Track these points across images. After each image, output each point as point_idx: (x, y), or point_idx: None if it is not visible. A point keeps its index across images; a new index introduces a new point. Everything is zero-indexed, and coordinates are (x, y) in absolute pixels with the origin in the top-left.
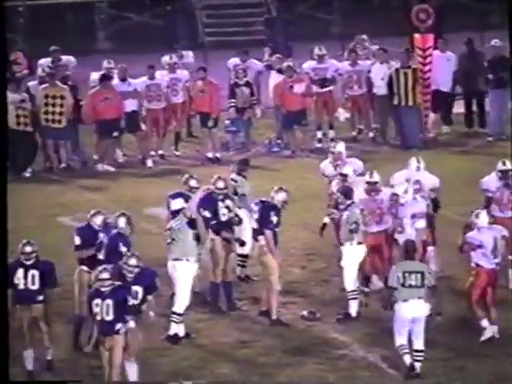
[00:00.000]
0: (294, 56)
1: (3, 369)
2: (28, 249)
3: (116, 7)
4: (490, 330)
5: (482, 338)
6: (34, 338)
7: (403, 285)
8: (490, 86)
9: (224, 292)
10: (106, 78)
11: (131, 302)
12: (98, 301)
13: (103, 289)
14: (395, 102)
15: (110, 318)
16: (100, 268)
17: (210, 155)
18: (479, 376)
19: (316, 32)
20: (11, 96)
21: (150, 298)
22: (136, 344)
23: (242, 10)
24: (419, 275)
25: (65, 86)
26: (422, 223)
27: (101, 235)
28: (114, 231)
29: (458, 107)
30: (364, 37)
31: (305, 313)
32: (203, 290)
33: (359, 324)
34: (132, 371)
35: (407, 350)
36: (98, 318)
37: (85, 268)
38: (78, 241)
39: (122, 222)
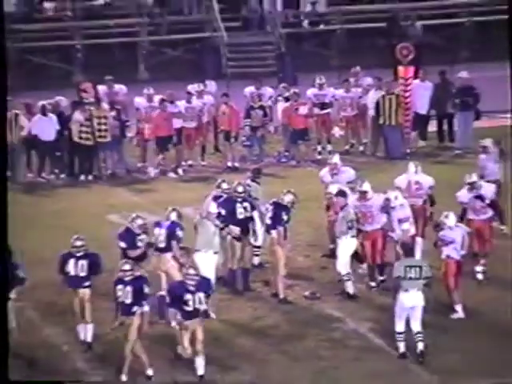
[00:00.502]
0: (299, 84)
1: (3, 369)
2: (78, 243)
3: (155, 44)
4: (461, 313)
5: (453, 317)
6: (84, 314)
7: (404, 277)
8: (457, 109)
9: (242, 276)
10: (164, 101)
11: (146, 290)
12: (120, 287)
13: (125, 278)
14: (381, 121)
15: (129, 301)
16: (123, 261)
17: (229, 164)
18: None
19: (317, 65)
20: (78, 116)
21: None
22: (145, 324)
23: (257, 47)
24: (418, 269)
25: (107, 108)
26: (406, 225)
27: (142, 236)
28: (169, 222)
29: (432, 126)
30: (358, 68)
31: (307, 293)
32: (224, 275)
33: (351, 303)
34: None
35: (403, 339)
36: (120, 300)
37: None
38: (123, 244)
39: (173, 215)
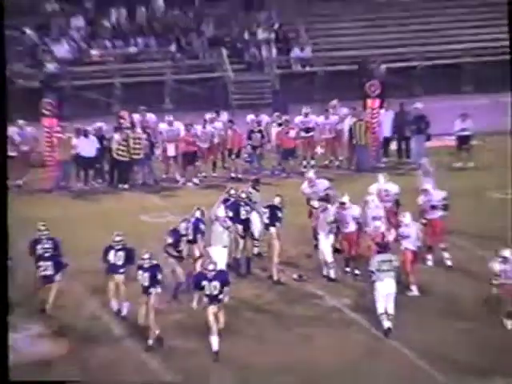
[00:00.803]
0: (289, 113)
1: (3, 369)
2: (118, 238)
3: (177, 82)
4: (415, 291)
5: (410, 294)
6: (118, 294)
7: (379, 270)
8: (412, 132)
9: (244, 263)
10: (189, 125)
11: (159, 276)
12: (140, 272)
13: (144, 265)
14: (354, 142)
15: (146, 284)
16: (144, 251)
17: (232, 175)
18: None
19: (304, 98)
20: (117, 138)
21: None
22: (158, 302)
23: (257, 85)
24: (388, 262)
25: (140, 132)
26: (378, 223)
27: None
28: (194, 218)
29: (393, 146)
30: (335, 102)
31: (295, 276)
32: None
33: (331, 284)
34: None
35: (385, 318)
36: (140, 283)
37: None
38: (169, 240)
39: (198, 213)
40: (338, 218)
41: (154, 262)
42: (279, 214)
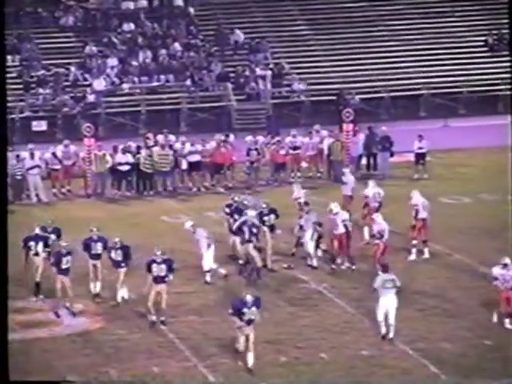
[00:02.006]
0: (280, 134)
1: (3, 369)
2: (117, 239)
3: (191, 110)
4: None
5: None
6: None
7: (383, 287)
8: (379, 150)
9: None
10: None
11: (174, 265)
12: (155, 265)
13: (157, 259)
14: (332, 157)
15: (163, 274)
16: (156, 248)
17: (230, 185)
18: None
19: (292, 122)
20: (143, 154)
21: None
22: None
23: (255, 112)
24: (391, 281)
25: (167, 149)
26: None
27: None
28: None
29: (363, 161)
30: (317, 126)
31: (285, 265)
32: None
33: (315, 271)
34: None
35: (383, 325)
36: (155, 274)
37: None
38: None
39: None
40: (328, 222)
41: (165, 256)
42: (277, 212)
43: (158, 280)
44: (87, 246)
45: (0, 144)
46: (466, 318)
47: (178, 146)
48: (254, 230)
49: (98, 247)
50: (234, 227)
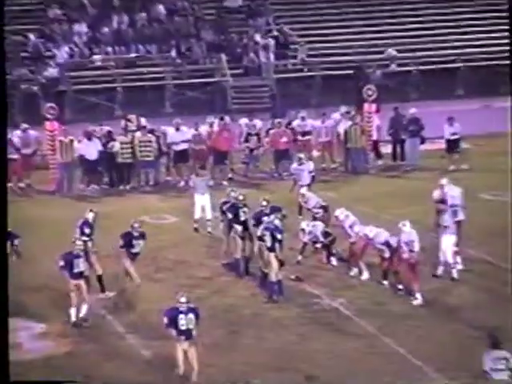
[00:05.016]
0: (287, 116)
1: (3, 369)
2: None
3: (177, 86)
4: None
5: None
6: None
7: (492, 369)
8: (407, 136)
9: (244, 263)
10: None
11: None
12: (181, 316)
13: (182, 308)
14: (348, 145)
15: (191, 326)
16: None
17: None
18: None
19: (301, 103)
20: (121, 140)
21: None
22: None
23: (255, 89)
24: (504, 360)
25: (150, 135)
26: (357, 228)
27: None
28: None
29: (387, 148)
30: (344, 108)
31: (292, 276)
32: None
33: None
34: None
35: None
36: (183, 328)
37: None
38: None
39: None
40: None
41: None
42: (283, 211)
43: (187, 335)
44: (67, 263)
45: None
46: None
47: (170, 130)
48: (278, 236)
49: (81, 264)
50: (258, 233)
